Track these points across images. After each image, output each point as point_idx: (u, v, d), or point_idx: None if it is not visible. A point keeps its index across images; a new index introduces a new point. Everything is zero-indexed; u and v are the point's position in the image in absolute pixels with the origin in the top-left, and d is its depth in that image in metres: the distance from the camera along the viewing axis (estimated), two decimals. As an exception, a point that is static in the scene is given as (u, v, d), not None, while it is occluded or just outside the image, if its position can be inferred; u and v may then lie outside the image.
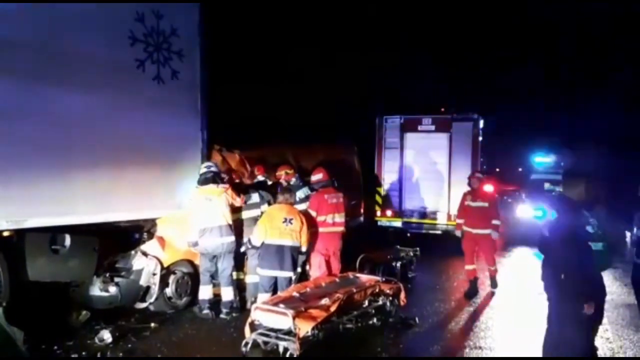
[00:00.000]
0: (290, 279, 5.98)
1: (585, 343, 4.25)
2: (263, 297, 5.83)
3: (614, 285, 7.90)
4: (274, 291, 5.92)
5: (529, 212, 13.58)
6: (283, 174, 7.12)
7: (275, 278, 5.94)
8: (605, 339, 5.61)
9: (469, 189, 7.96)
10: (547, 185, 14.96)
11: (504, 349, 5.42)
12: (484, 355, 5.22)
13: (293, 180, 7.05)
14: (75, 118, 5.03)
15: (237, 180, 6.97)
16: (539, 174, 15.26)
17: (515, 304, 7.23)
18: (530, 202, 13.83)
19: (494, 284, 7.89)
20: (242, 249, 6.35)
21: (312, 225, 6.40)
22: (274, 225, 5.92)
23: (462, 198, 8.00)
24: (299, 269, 6.20)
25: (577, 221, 4.31)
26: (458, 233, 8.06)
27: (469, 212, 7.78)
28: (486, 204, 7.66)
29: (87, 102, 5.14)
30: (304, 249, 6.09)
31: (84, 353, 4.90)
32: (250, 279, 6.46)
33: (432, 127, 11.02)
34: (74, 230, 5.24)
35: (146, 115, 5.81)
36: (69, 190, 4.98)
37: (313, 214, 6.45)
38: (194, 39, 6.37)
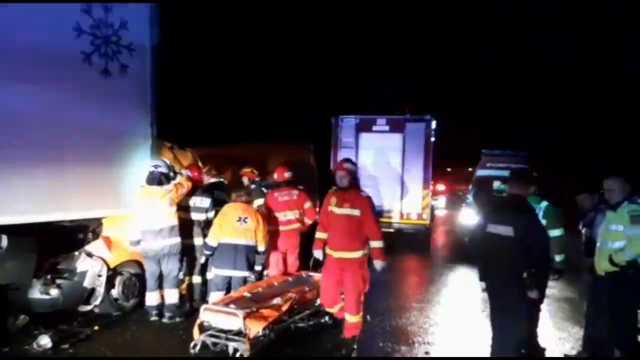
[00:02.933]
0: (244, 278, 5.91)
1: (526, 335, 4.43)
2: (216, 296, 5.75)
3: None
4: (228, 291, 5.84)
5: (473, 218, 10.31)
6: (249, 172, 7.04)
7: (230, 278, 5.86)
8: (545, 331, 5.87)
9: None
10: (497, 184, 11.66)
11: (452, 344, 5.58)
12: (430, 351, 5.34)
13: (254, 181, 6.98)
14: (13, 113, 4.74)
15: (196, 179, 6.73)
16: (487, 169, 11.63)
17: (463, 300, 7.45)
18: (477, 205, 10.72)
19: None
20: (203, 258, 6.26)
21: (271, 224, 6.37)
22: (228, 224, 5.84)
23: (325, 199, 5.32)
24: (258, 268, 6.08)
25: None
26: (318, 254, 5.39)
27: (332, 224, 5.15)
28: (356, 212, 5.00)
29: (27, 96, 4.86)
30: (261, 248, 5.95)
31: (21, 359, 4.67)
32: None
33: (387, 128, 11.20)
34: (12, 230, 4.97)
35: (92, 110, 5.55)
36: (6, 188, 4.71)
37: (266, 211, 6.44)
38: (145, 32, 6.17)
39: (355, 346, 5.14)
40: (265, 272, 6.64)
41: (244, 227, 5.84)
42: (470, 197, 11.40)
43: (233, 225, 5.82)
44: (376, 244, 5.10)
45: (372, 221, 5.05)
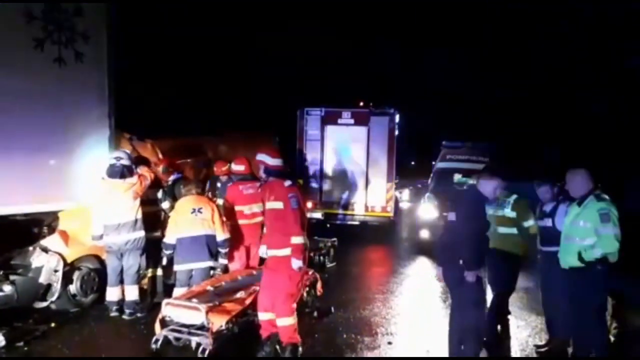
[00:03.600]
0: (208, 269, 5.85)
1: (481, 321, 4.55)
2: (179, 292, 5.66)
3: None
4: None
5: (431, 212, 10.35)
6: (227, 170, 6.87)
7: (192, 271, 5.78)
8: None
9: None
10: (457, 177, 11.00)
11: (413, 334, 5.69)
12: (393, 341, 5.43)
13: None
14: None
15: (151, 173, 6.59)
16: (447, 162, 11.11)
17: (425, 291, 7.60)
18: (434, 198, 10.42)
19: None
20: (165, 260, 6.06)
21: (230, 218, 6.30)
22: (183, 218, 5.75)
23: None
24: (222, 261, 6.01)
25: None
26: (262, 252, 4.85)
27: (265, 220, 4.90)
28: (279, 205, 4.53)
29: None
30: (220, 237, 5.81)
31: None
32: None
33: (352, 121, 11.29)
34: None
35: (46, 99, 5.39)
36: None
37: (230, 206, 6.34)
38: (101, 20, 5.98)
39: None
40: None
41: (200, 218, 5.74)
42: (429, 191, 10.99)
43: (188, 218, 5.73)
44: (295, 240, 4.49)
45: (291, 214, 4.46)
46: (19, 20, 5.04)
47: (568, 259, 4.53)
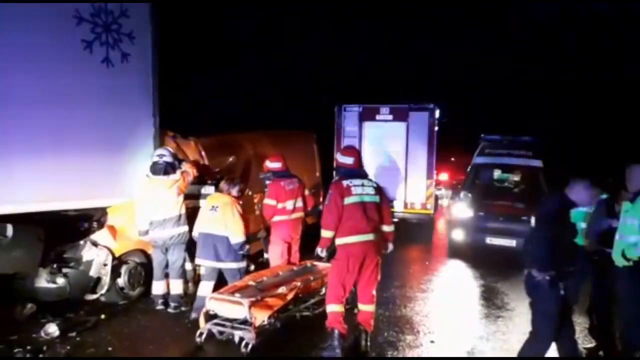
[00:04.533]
0: (215, 269, 5.70)
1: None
2: (204, 286, 5.69)
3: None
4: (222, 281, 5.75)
5: (465, 211, 9.36)
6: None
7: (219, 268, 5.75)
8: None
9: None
10: (497, 174, 10.35)
11: (456, 334, 5.59)
12: (435, 339, 5.35)
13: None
14: (14, 102, 4.75)
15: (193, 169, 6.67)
16: (486, 156, 10.09)
17: (468, 291, 7.45)
18: (469, 196, 9.53)
19: None
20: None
21: (271, 214, 6.35)
22: (203, 214, 5.81)
23: (335, 191, 4.90)
24: (239, 265, 5.73)
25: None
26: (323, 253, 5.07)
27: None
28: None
29: (27, 84, 4.86)
30: (234, 239, 5.58)
31: (28, 347, 4.70)
32: None
33: (390, 117, 11.14)
34: (18, 219, 4.97)
35: (94, 99, 5.55)
36: (9, 178, 4.72)
37: (272, 202, 6.38)
38: (146, 20, 6.12)
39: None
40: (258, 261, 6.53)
41: (213, 217, 5.67)
42: (464, 188, 10.10)
43: (206, 215, 5.75)
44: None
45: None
46: (69, 22, 5.22)
47: (616, 258, 4.37)
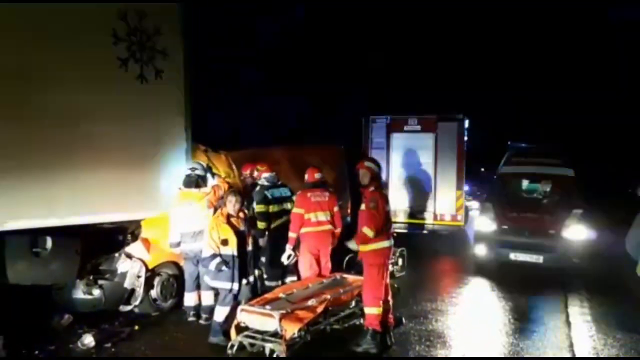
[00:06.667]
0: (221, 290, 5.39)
1: None
2: (220, 310, 5.36)
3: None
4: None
5: (488, 224, 8.76)
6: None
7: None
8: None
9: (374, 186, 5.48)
10: (525, 184, 9.54)
11: (488, 349, 5.45)
12: (469, 355, 5.23)
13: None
14: (55, 118, 4.94)
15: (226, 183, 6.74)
16: (513, 165, 9.57)
17: (501, 305, 7.26)
18: (493, 208, 8.91)
19: None
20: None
21: (296, 224, 6.37)
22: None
23: (381, 198, 5.35)
24: (231, 286, 5.29)
25: None
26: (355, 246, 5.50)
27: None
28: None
29: (68, 101, 5.04)
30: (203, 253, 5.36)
31: (66, 357, 4.81)
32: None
33: (418, 127, 11.08)
34: (56, 232, 5.14)
35: (130, 114, 5.71)
36: (50, 191, 4.89)
37: (299, 211, 6.41)
38: (178, 37, 6.29)
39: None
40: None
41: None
42: (486, 199, 9.54)
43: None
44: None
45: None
46: (108, 41, 5.42)
47: None
